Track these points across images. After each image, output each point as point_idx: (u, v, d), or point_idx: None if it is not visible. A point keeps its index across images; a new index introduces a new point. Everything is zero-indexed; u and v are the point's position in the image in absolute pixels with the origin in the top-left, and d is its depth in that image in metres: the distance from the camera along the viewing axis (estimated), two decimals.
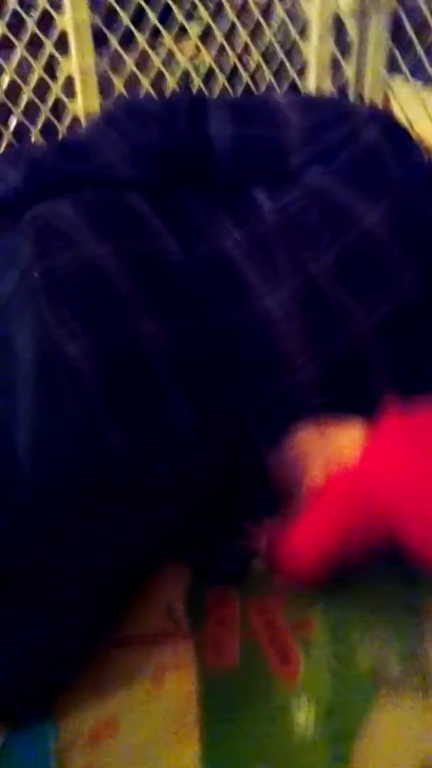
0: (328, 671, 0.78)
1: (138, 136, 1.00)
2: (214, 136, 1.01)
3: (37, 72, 1.19)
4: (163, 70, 1.25)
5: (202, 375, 0.86)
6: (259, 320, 0.89)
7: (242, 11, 1.33)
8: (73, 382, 0.79)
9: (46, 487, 0.77)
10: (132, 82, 1.23)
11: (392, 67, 1.42)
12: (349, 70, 1.41)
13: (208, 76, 1.32)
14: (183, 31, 1.29)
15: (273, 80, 1.42)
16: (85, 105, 1.19)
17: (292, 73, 1.44)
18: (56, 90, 1.21)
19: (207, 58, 1.31)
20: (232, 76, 1.37)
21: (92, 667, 0.79)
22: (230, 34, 1.35)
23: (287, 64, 1.42)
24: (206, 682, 0.77)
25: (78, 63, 1.17)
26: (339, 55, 1.41)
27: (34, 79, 1.21)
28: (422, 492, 0.76)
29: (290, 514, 0.84)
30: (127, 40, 1.24)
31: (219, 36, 1.27)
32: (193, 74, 1.30)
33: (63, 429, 0.78)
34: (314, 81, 1.42)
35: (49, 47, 1.18)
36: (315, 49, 1.34)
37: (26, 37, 1.18)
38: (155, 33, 1.25)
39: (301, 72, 1.45)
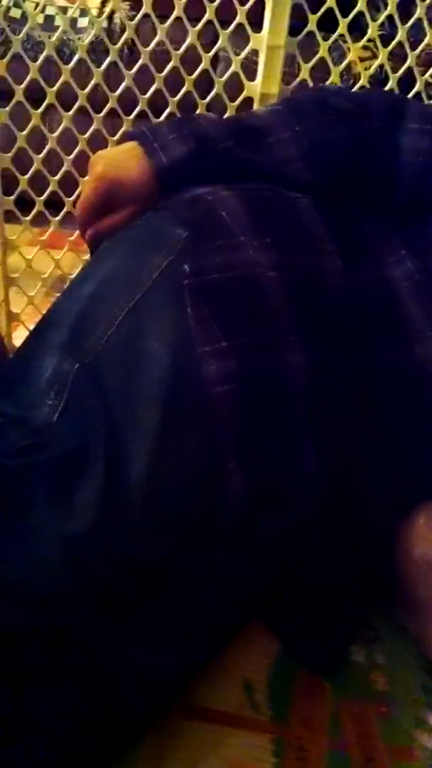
0: None
1: (323, 133, 0.86)
2: (407, 149, 0.87)
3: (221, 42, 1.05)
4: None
5: (341, 422, 0.73)
6: (416, 370, 0.76)
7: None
8: (204, 410, 0.66)
9: (152, 525, 0.65)
10: (319, 73, 1.10)
11: None
12: None
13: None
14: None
15: None
16: (264, 87, 1.05)
17: None
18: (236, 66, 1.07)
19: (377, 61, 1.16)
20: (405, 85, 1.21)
21: (155, 739, 0.68)
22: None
23: None
24: None
25: (269, 39, 1.03)
26: None
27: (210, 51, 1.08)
28: None
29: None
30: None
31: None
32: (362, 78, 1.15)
33: (185, 464, 0.66)
34: None
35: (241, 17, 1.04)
36: None
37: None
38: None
39: None
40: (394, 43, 1.12)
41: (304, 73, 1.07)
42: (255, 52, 1.07)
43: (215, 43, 1.07)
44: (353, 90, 1.09)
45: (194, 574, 0.69)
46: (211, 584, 0.70)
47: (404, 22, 1.10)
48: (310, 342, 0.72)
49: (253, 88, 1.06)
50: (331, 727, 0.70)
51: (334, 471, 0.72)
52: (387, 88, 1.15)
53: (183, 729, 0.69)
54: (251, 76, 1.06)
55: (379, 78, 1.25)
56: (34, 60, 1.04)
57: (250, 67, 1.08)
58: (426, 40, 1.11)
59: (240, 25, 1.04)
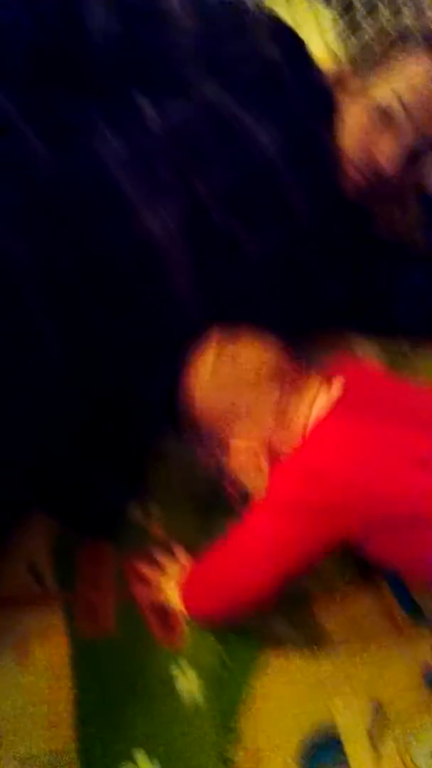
0: (212, 634, 0.72)
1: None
2: (95, 31, 0.87)
3: None
4: None
5: (76, 297, 0.76)
6: (139, 239, 0.80)
7: None
8: None
9: None
10: None
11: None
12: None
13: None
14: None
15: None
16: None
17: None
18: None
19: None
20: None
21: None
22: None
23: None
24: (79, 652, 0.70)
25: None
26: None
27: None
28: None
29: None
30: None
31: None
32: None
33: None
34: None
35: None
36: None
37: None
38: None
39: None
40: None
41: None
42: None
43: None
44: None
45: None
46: None
47: None
48: (22, 225, 0.73)
49: None
50: (116, 582, 0.76)
51: (80, 342, 0.75)
52: None
53: None
54: None
55: None
56: None
57: None
58: None
59: None
